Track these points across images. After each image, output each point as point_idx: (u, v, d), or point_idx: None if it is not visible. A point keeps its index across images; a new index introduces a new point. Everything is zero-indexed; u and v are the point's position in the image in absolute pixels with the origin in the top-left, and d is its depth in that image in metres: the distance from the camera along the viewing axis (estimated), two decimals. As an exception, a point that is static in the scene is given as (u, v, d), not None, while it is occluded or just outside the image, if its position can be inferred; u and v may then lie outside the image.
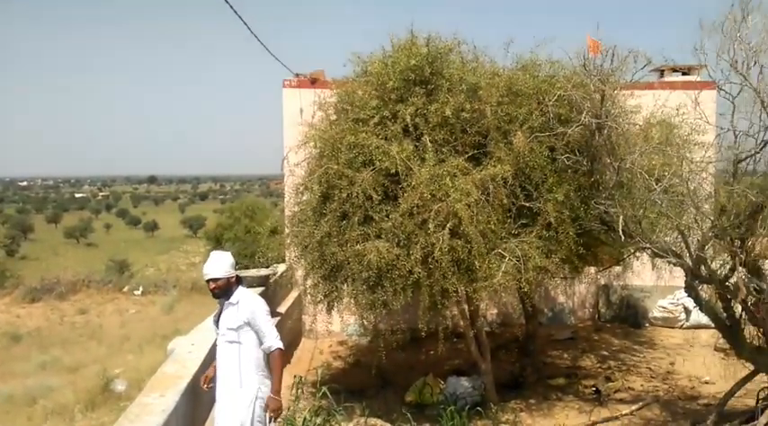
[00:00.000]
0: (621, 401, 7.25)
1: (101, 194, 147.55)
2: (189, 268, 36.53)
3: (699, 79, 9.67)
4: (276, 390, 4.39)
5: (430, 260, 5.81)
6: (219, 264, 4.47)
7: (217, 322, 4.65)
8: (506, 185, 6.17)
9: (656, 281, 8.92)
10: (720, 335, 6.56)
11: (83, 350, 13.89)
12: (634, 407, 6.93)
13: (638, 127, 6.80)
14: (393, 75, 6.46)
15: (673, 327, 10.15)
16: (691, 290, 5.87)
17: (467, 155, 6.36)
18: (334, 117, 7.14)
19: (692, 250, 5.55)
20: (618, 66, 6.14)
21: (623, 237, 5.52)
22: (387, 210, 6.08)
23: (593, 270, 9.02)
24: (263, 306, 4.57)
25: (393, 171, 6.05)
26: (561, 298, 10.84)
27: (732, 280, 5.39)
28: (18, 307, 18.95)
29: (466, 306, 7.02)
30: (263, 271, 8.19)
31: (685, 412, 6.78)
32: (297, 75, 10.39)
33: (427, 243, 5.77)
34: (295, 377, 6.80)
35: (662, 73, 10.65)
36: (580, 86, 6.20)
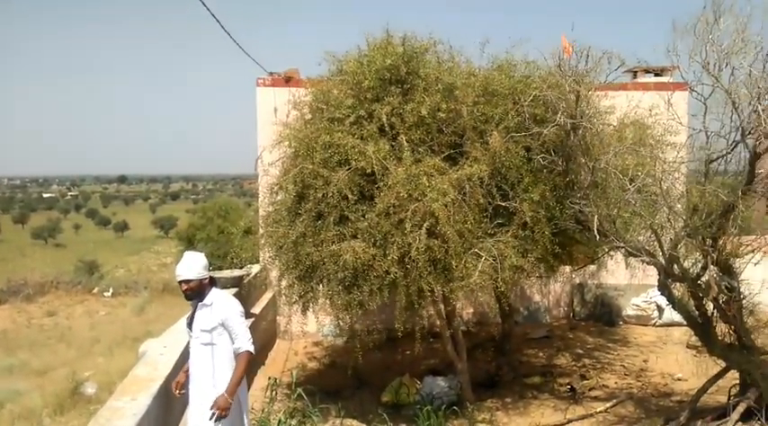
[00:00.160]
0: (596, 398, 7.32)
1: (69, 194, 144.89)
2: (160, 269, 36.02)
3: (671, 80, 9.84)
4: (230, 391, 4.24)
5: (406, 260, 5.78)
6: (192, 265, 4.38)
7: (190, 324, 4.56)
8: (483, 185, 6.18)
9: (629, 280, 9.06)
10: (693, 333, 6.64)
11: (51, 352, 13.56)
12: (608, 404, 6.99)
13: (612, 127, 6.88)
14: (369, 75, 6.42)
15: (646, 325, 10.28)
16: (664, 289, 5.94)
17: (443, 155, 6.35)
18: (309, 116, 7.08)
19: (664, 249, 5.62)
20: (592, 67, 6.17)
21: (598, 236, 5.58)
22: (363, 210, 6.04)
23: (568, 269, 9.10)
24: (237, 307, 4.49)
25: (369, 170, 6.01)
26: (537, 297, 10.91)
27: (704, 279, 5.46)
28: (-17, 310, 18.48)
29: (442, 306, 7.01)
30: (237, 272, 8.08)
31: (658, 409, 6.86)
32: (271, 73, 10.27)
33: (404, 243, 5.74)
34: (269, 378, 6.73)
35: (635, 74, 10.77)
36: (555, 87, 6.22)
